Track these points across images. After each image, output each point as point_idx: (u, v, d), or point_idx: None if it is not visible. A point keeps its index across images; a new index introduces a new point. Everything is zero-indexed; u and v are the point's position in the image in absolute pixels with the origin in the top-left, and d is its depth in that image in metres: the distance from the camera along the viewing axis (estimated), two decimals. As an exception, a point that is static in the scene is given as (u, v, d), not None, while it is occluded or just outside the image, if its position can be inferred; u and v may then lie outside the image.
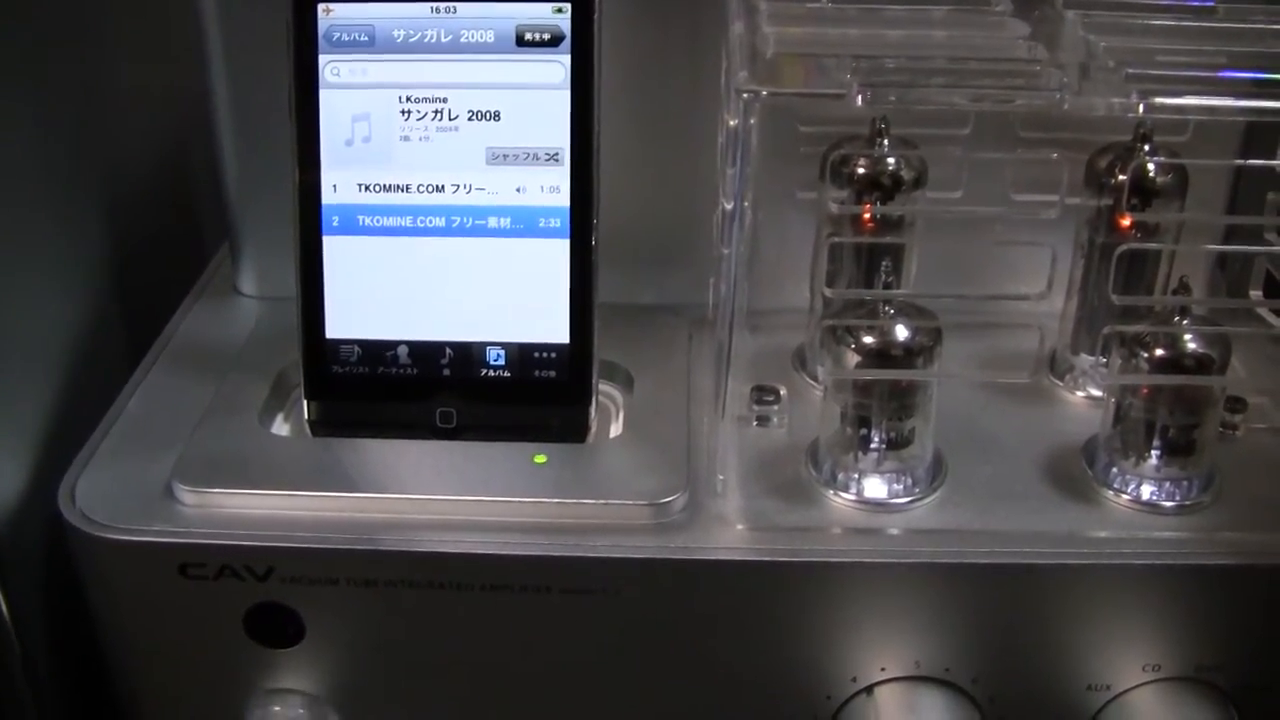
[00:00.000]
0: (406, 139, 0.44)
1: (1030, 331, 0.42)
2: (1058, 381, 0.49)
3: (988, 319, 0.47)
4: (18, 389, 0.44)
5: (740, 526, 0.42)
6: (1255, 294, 0.49)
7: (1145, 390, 0.43)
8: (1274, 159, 0.47)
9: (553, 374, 0.45)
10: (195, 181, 0.62)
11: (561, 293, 0.45)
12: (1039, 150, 0.45)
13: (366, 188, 0.44)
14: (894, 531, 0.43)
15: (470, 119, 0.44)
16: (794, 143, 0.47)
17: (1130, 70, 0.39)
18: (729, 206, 0.40)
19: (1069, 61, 0.41)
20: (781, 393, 0.46)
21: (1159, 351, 0.42)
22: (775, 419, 0.46)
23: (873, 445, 0.43)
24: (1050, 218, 0.41)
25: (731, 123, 0.39)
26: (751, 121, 0.39)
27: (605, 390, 0.47)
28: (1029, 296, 0.41)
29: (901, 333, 0.42)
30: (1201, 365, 0.42)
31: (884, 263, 0.44)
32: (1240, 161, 0.46)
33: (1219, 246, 0.48)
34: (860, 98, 0.38)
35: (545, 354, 0.45)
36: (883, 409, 0.42)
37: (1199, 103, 0.38)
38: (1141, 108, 0.37)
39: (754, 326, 0.47)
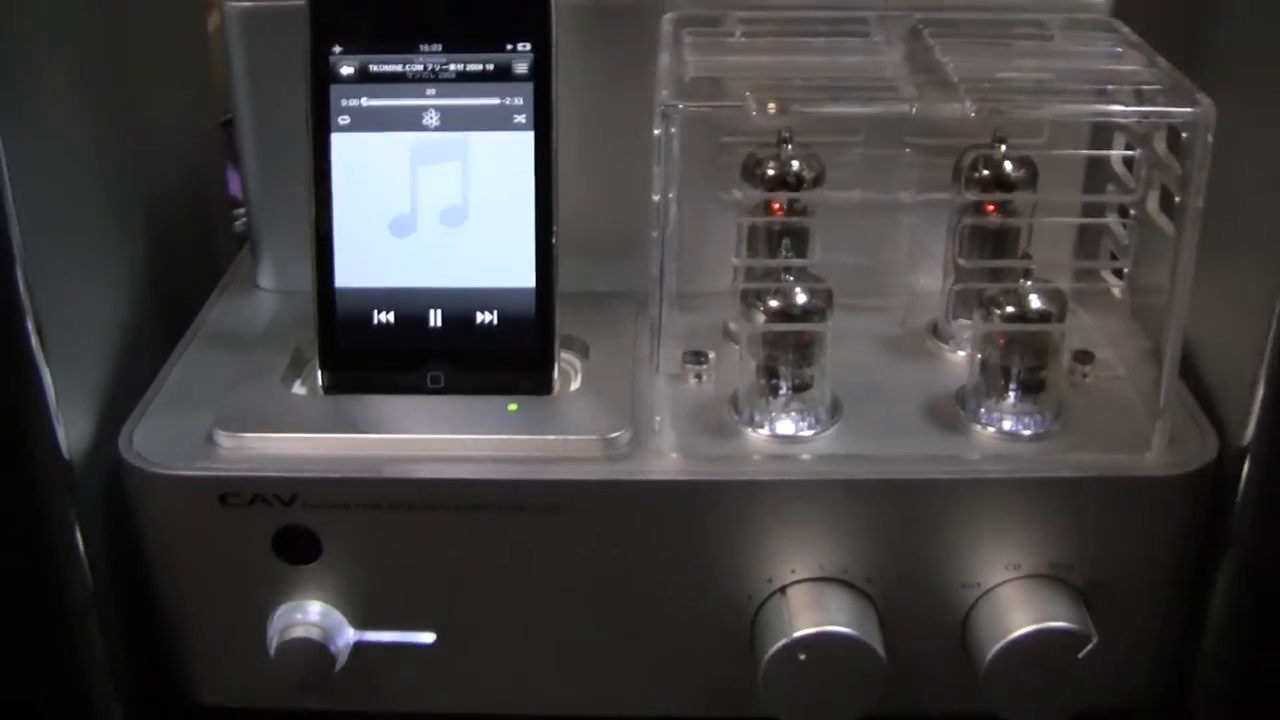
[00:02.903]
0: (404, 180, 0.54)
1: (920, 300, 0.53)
2: (942, 344, 0.58)
3: (880, 300, 0.57)
4: (84, 361, 0.52)
5: (674, 455, 0.51)
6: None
7: (1000, 340, 0.52)
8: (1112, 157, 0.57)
9: (523, 343, 0.55)
10: (214, 195, 0.72)
11: (529, 282, 0.54)
12: (926, 157, 0.55)
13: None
14: (802, 457, 0.52)
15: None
16: (718, 151, 0.56)
17: (966, 84, 0.49)
18: (656, 199, 0.50)
19: (925, 79, 0.51)
20: (710, 355, 0.56)
21: (1008, 308, 0.52)
22: (705, 376, 0.55)
23: (781, 390, 0.52)
24: (908, 202, 0.51)
25: (656, 132, 0.49)
26: (672, 130, 0.48)
27: (566, 357, 0.56)
28: (895, 260, 0.51)
29: (799, 296, 0.52)
30: (1042, 317, 0.52)
31: (785, 242, 0.54)
32: (1060, 151, 0.55)
33: (1052, 219, 0.57)
34: (755, 110, 0.48)
35: (517, 326, 0.55)
36: (787, 359, 0.52)
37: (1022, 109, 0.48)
38: (972, 113, 0.48)
39: (686, 307, 0.55)
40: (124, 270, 0.57)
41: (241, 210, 0.64)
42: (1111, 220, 0.56)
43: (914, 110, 0.47)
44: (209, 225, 0.70)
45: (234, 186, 0.74)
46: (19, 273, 0.46)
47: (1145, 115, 0.50)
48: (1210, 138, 0.47)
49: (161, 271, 0.60)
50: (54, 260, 0.49)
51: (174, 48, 0.66)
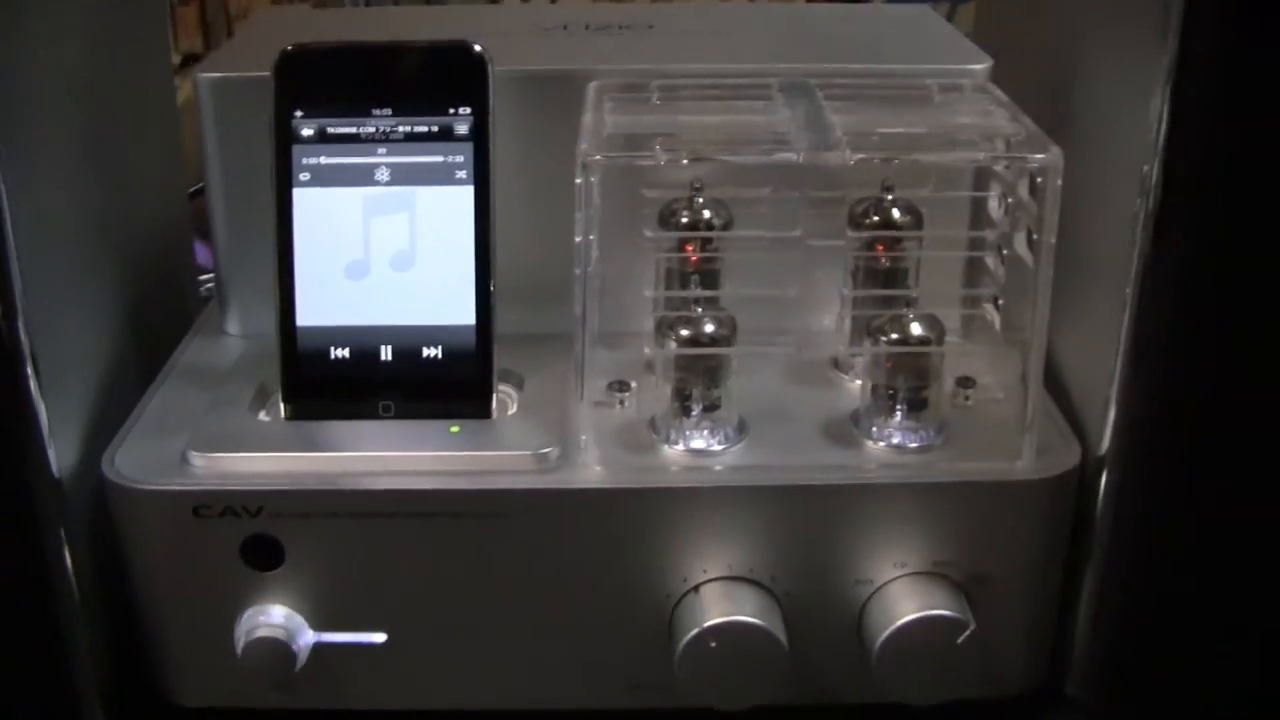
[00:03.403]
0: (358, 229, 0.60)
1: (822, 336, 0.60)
2: (841, 374, 0.65)
3: (783, 333, 0.64)
4: (72, 397, 0.57)
5: (598, 468, 0.57)
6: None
7: (887, 364, 0.59)
8: (988, 204, 0.65)
9: (465, 373, 0.60)
10: (184, 261, 0.79)
11: (470, 320, 0.61)
12: (826, 207, 0.62)
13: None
14: (713, 468, 0.58)
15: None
16: (641, 204, 0.62)
17: (849, 137, 0.57)
18: (579, 239, 0.56)
19: (816, 134, 0.58)
20: (633, 384, 0.62)
21: (892, 334, 0.59)
22: (627, 403, 0.61)
23: (693, 411, 0.59)
24: (808, 245, 0.58)
25: (578, 181, 0.56)
26: (592, 180, 0.55)
27: (503, 389, 0.61)
28: (788, 295, 0.58)
29: (707, 325, 0.58)
30: (921, 340, 0.58)
31: (694, 278, 0.61)
32: (940, 194, 0.61)
33: (937, 253, 0.63)
34: (662, 160, 0.55)
35: (459, 359, 0.61)
36: (697, 382, 0.58)
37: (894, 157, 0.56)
38: (851, 161, 0.55)
39: (612, 345, 0.61)
40: (106, 321, 0.63)
41: (208, 276, 0.71)
42: (988, 255, 0.63)
43: (800, 159, 0.54)
44: (179, 287, 0.76)
45: (201, 256, 0.81)
46: (20, 323, 0.53)
47: (998, 159, 0.57)
48: (1059, 182, 0.54)
49: (139, 323, 0.66)
50: (49, 312, 0.55)
51: (150, 122, 0.72)
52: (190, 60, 1.25)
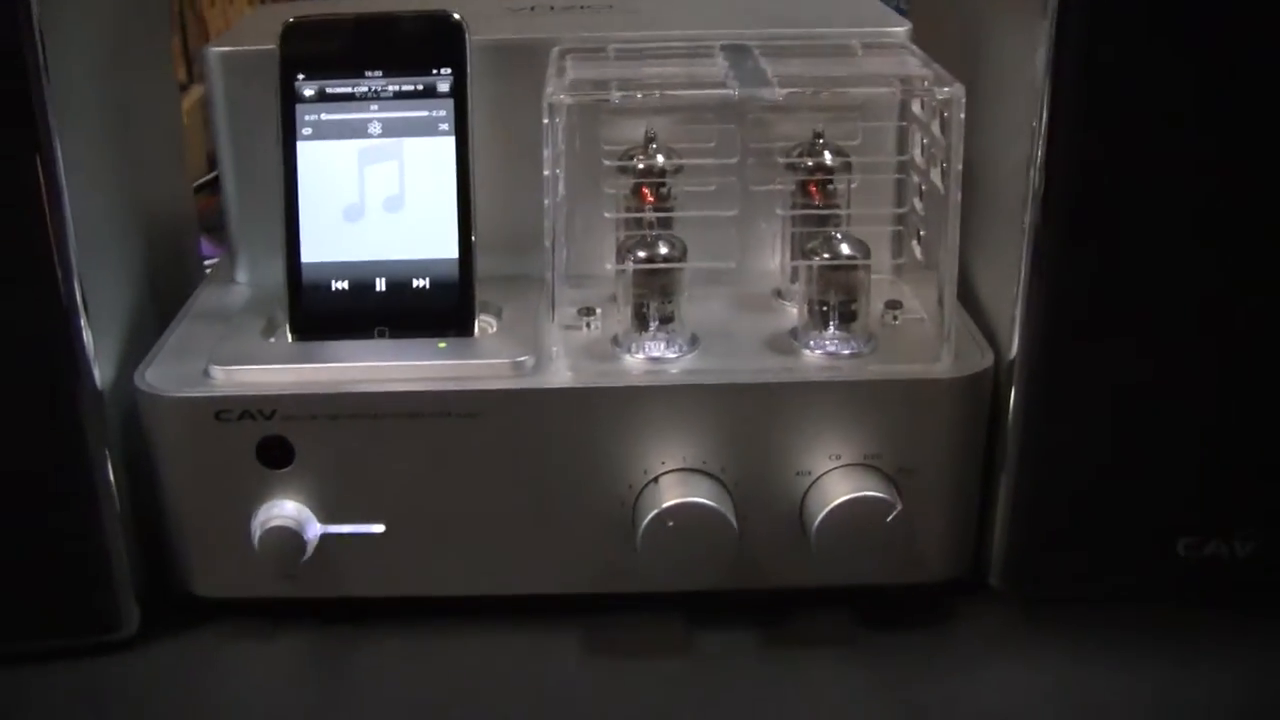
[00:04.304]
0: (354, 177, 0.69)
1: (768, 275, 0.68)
2: (786, 302, 0.74)
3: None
4: (111, 329, 0.65)
5: (568, 373, 0.65)
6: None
7: (820, 282, 0.68)
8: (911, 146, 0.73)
9: (449, 299, 0.69)
10: (190, 246, 0.87)
11: (454, 254, 0.69)
12: (764, 158, 0.71)
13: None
14: (668, 371, 0.66)
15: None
16: (602, 156, 0.70)
17: (779, 79, 0.65)
18: (546, 174, 0.65)
19: (750, 79, 0.66)
20: (598, 310, 0.70)
21: (824, 254, 0.68)
22: (593, 325, 0.68)
23: (650, 323, 0.67)
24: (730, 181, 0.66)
25: (545, 121, 0.64)
26: (558, 120, 0.64)
27: (484, 318, 0.69)
28: (726, 214, 0.66)
29: (661, 246, 0.67)
30: (849, 257, 0.67)
31: (649, 210, 0.69)
32: (868, 124, 0.70)
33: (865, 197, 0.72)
34: (616, 98, 0.64)
35: (445, 288, 0.69)
36: (653, 297, 0.67)
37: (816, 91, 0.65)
38: (780, 97, 0.63)
39: (579, 285, 0.69)
40: (133, 281, 0.71)
41: (210, 261, 0.79)
42: (910, 192, 0.71)
43: (736, 94, 0.63)
44: (187, 267, 0.85)
45: (203, 248, 0.90)
46: (75, 274, 0.62)
47: (910, 94, 0.66)
48: (962, 115, 0.63)
49: (157, 283, 0.74)
50: (93, 266, 0.63)
51: (162, 122, 0.81)
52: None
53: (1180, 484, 0.65)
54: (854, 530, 0.64)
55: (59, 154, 0.60)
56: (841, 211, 0.69)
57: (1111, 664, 0.65)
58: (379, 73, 0.69)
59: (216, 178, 0.76)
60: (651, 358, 0.66)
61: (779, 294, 0.73)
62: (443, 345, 0.66)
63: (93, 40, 0.67)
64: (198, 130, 1.11)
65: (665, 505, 0.63)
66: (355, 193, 0.69)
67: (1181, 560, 0.66)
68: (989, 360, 0.66)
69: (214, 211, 0.80)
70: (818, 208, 0.70)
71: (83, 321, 0.62)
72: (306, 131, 0.68)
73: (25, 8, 0.57)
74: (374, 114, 0.69)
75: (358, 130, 0.69)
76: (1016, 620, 0.67)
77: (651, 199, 0.70)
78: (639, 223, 0.70)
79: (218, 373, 0.65)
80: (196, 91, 1.26)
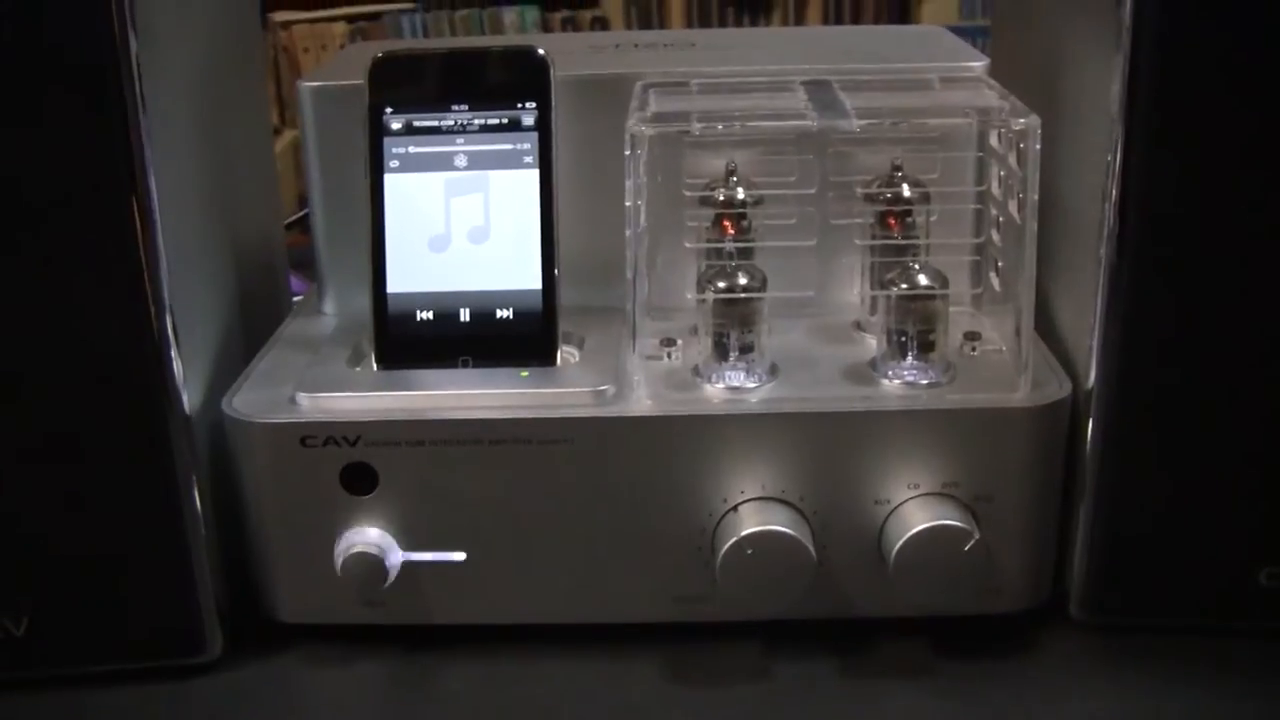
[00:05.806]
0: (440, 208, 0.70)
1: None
2: (865, 333, 0.74)
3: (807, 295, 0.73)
4: (200, 358, 0.67)
5: (648, 401, 0.66)
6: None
7: (899, 311, 0.68)
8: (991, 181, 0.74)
9: (532, 330, 0.70)
10: (281, 282, 0.89)
11: (537, 285, 0.70)
12: (840, 189, 0.72)
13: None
14: (748, 400, 0.66)
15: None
16: (681, 185, 0.72)
17: (857, 111, 0.66)
18: (628, 204, 0.66)
19: (829, 112, 0.67)
20: (679, 341, 0.70)
21: (902, 284, 0.68)
22: (674, 355, 0.69)
23: (730, 353, 0.68)
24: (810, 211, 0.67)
25: (626, 152, 0.65)
26: (639, 151, 0.65)
27: (566, 348, 0.70)
28: (805, 244, 0.67)
29: (741, 276, 0.68)
30: (927, 287, 0.67)
31: (730, 242, 0.70)
32: (947, 154, 0.71)
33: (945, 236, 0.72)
34: (696, 130, 0.65)
35: (528, 318, 0.70)
36: (733, 327, 0.68)
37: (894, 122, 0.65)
38: (857, 128, 0.64)
39: (660, 317, 0.70)
40: (224, 308, 0.73)
41: (298, 297, 0.81)
42: (989, 225, 0.72)
43: (815, 125, 0.64)
44: (277, 301, 0.86)
45: (293, 284, 0.91)
46: (166, 306, 0.63)
47: (987, 125, 0.67)
48: (1038, 146, 0.64)
49: (249, 313, 0.76)
50: (184, 297, 0.65)
51: (255, 161, 0.82)
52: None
53: (1260, 512, 0.65)
54: (932, 559, 0.64)
55: (154, 188, 0.62)
56: (920, 242, 0.70)
57: (1195, 695, 0.64)
58: (465, 106, 0.70)
59: (306, 216, 0.78)
60: (731, 387, 0.67)
61: (858, 325, 0.73)
62: (525, 374, 0.67)
63: (190, 79, 0.69)
64: (289, 172, 1.14)
65: (744, 533, 0.63)
66: (441, 224, 0.70)
67: (1264, 589, 0.65)
68: (1066, 390, 0.66)
69: (304, 248, 0.81)
70: (896, 239, 0.71)
71: (173, 352, 0.64)
72: (394, 164, 0.70)
73: (125, 43, 0.59)
74: (460, 147, 0.70)
75: (444, 163, 0.70)
76: (1097, 650, 0.66)
77: (732, 230, 0.70)
78: (719, 253, 0.70)
79: (304, 400, 0.66)
80: (289, 135, 1.29)
